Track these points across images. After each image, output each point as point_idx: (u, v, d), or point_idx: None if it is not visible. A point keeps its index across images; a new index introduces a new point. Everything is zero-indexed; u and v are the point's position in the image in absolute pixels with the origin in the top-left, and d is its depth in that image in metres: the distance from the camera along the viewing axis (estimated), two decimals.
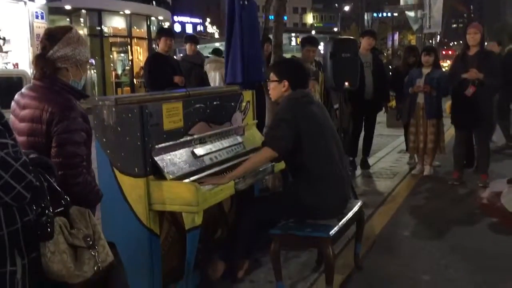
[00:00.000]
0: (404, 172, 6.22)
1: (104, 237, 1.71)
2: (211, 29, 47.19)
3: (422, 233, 4.16)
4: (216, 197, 2.75)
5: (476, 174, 5.72)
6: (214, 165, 3.04)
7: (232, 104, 3.51)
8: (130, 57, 18.05)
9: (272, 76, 3.16)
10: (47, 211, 1.55)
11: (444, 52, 41.73)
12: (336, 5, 66.00)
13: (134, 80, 17.59)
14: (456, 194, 5.29)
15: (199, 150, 3.01)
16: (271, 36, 6.39)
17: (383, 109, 7.00)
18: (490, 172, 5.53)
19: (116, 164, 2.73)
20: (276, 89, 3.15)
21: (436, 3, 14.25)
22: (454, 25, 56.32)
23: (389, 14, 37.69)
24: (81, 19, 16.58)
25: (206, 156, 3.03)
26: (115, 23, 17.73)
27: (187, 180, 2.72)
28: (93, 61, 16.21)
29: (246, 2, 4.59)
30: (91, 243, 1.65)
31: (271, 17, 6.53)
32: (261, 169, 3.25)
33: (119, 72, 18.68)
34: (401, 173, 6.18)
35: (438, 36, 20.40)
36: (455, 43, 51.56)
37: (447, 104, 5.74)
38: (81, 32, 15.79)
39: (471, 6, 69.47)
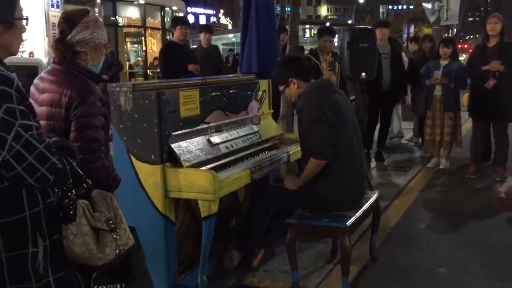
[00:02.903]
0: (420, 165, 6.15)
1: (125, 221, 1.71)
2: (225, 20, 47.03)
3: (438, 226, 4.11)
4: (232, 185, 2.74)
5: (494, 168, 5.63)
6: (229, 154, 3.03)
7: (248, 93, 3.49)
8: (144, 48, 18.06)
9: (280, 86, 3.13)
10: (69, 193, 1.55)
11: (460, 46, 41.15)
12: None
13: (148, 71, 17.61)
14: (473, 188, 5.21)
15: (215, 138, 3.00)
16: (286, 27, 6.36)
17: (400, 100, 6.92)
18: (508, 166, 5.45)
19: (132, 151, 2.73)
20: (289, 91, 3.11)
21: None
22: (471, 19, 55.50)
23: (404, 7, 37.22)
24: (96, 9, 16.58)
25: (222, 144, 3.02)
26: (130, 13, 17.72)
27: (203, 168, 2.71)
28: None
29: None
30: (113, 226, 1.64)
31: (288, 8, 6.49)
32: (276, 158, 3.24)
33: (132, 62, 18.72)
34: (417, 166, 6.12)
35: (455, 29, 20.11)
36: (471, 36, 50.79)
37: (464, 97, 5.65)
38: None
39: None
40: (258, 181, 3.06)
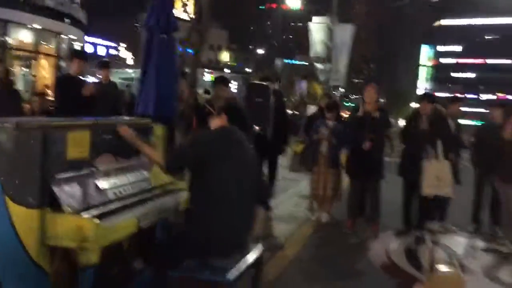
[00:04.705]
0: (304, 217, 6.44)
1: None
2: (125, 54, 46.22)
3: (317, 279, 4.30)
4: (117, 234, 2.65)
5: (368, 224, 6.08)
6: (116, 200, 2.93)
7: (142, 137, 3.44)
8: (34, 73, 17.02)
9: (211, 110, 3.25)
10: None
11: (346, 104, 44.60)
12: (251, 47, 68.24)
13: (36, 97, 16.55)
14: (349, 243, 5.57)
15: (103, 183, 2.90)
16: (186, 70, 6.44)
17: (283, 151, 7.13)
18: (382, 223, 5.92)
19: (8, 192, 2.53)
20: (216, 122, 3.19)
21: (343, 59, 15.37)
22: (356, 80, 61.10)
23: (299, 62, 39.68)
24: None
25: (110, 190, 2.92)
26: (22, 36, 16.73)
27: (87, 215, 2.59)
28: None
29: (165, 36, 4.61)
30: None
31: (190, 50, 6.59)
32: (165, 206, 3.20)
33: (20, 87, 17.50)
34: (300, 218, 6.40)
35: (343, 89, 21.82)
36: (356, 96, 55.53)
37: (342, 156, 6.15)
38: None
39: (371, 65, 75.56)
40: (145, 231, 2.99)
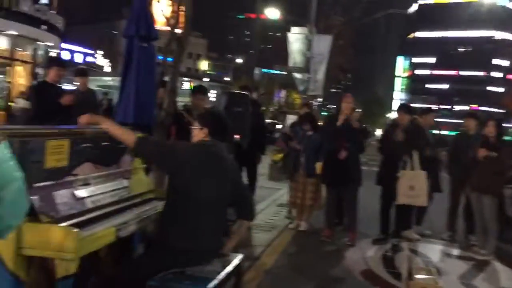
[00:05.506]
0: (282, 225, 6.47)
1: None
2: (102, 62, 45.73)
3: (296, 286, 4.32)
4: (95, 244, 2.61)
5: (345, 232, 6.14)
6: (95, 209, 2.91)
7: (122, 145, 3.41)
8: (9, 80, 16.72)
9: (196, 124, 3.21)
10: None
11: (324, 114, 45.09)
12: (230, 56, 68.46)
13: (11, 104, 16.24)
14: (327, 251, 5.61)
15: (81, 192, 2.86)
16: (165, 79, 6.42)
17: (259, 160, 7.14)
18: (359, 231, 5.98)
19: None
20: (198, 135, 3.18)
21: (321, 69, 15.54)
22: (333, 90, 61.92)
23: (278, 72, 39.96)
24: None
25: (88, 198, 2.89)
26: None
27: (64, 224, 2.56)
28: None
29: (145, 44, 4.61)
30: None
31: (170, 59, 6.59)
32: (144, 216, 3.18)
33: None
34: (279, 226, 6.42)
35: (320, 99, 22.06)
36: (334, 106, 56.27)
37: (317, 165, 6.18)
38: None
39: (349, 75, 76.64)
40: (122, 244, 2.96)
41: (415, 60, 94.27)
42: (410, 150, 5.83)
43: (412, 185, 5.75)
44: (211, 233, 3.08)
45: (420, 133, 6.07)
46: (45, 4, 18.27)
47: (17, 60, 17.18)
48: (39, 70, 18.04)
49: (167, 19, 7.39)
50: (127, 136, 3.07)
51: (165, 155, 3.06)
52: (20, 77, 17.52)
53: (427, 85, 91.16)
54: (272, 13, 31.09)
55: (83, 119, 3.16)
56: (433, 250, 5.97)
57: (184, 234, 2.97)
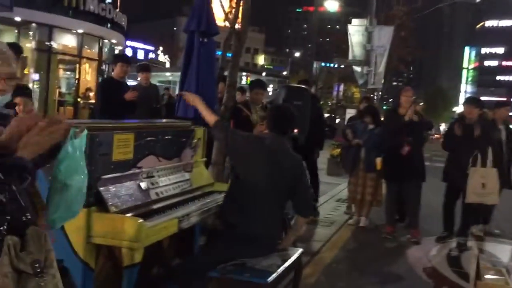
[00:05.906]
0: (341, 221, 6.38)
1: (56, 266, 1.53)
2: (163, 58, 47.05)
3: (356, 284, 4.25)
4: (159, 234, 2.70)
5: (407, 229, 5.96)
6: (159, 201, 3.00)
7: (183, 140, 3.50)
8: (77, 76, 17.57)
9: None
10: None
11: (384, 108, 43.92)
12: (287, 50, 68.23)
13: (79, 100, 17.07)
14: (388, 248, 5.47)
15: (145, 184, 2.96)
16: (225, 73, 6.49)
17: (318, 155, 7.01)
18: (421, 228, 5.79)
19: None
20: (259, 128, 3.32)
21: (381, 62, 15.12)
22: (395, 83, 60.04)
23: (336, 65, 39.28)
24: (30, 32, 16.07)
25: (152, 190, 2.99)
26: (66, 40, 17.31)
27: (130, 214, 2.66)
28: (35, 77, 15.72)
29: (206, 40, 4.67)
30: (39, 270, 1.45)
31: (229, 54, 6.66)
32: (205, 208, 3.24)
33: (63, 90, 18.11)
34: (338, 221, 6.34)
35: (380, 92, 21.50)
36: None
37: (377, 160, 5.98)
38: (28, 45, 15.32)
39: (411, 67, 74.13)
40: (184, 231, 3.03)
41: (484, 50, 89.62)
42: (484, 146, 5.51)
43: (484, 182, 5.45)
44: (263, 219, 3.11)
45: (494, 127, 5.77)
46: (110, 3, 18.99)
47: (84, 57, 17.98)
48: (105, 67, 18.84)
49: (226, 14, 7.46)
50: (209, 117, 3.31)
51: (231, 145, 3.25)
52: (87, 74, 18.35)
53: (496, 77, 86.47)
54: (331, 5, 30.52)
55: (188, 96, 3.57)
56: (502, 250, 5.67)
57: (235, 212, 3.11)
